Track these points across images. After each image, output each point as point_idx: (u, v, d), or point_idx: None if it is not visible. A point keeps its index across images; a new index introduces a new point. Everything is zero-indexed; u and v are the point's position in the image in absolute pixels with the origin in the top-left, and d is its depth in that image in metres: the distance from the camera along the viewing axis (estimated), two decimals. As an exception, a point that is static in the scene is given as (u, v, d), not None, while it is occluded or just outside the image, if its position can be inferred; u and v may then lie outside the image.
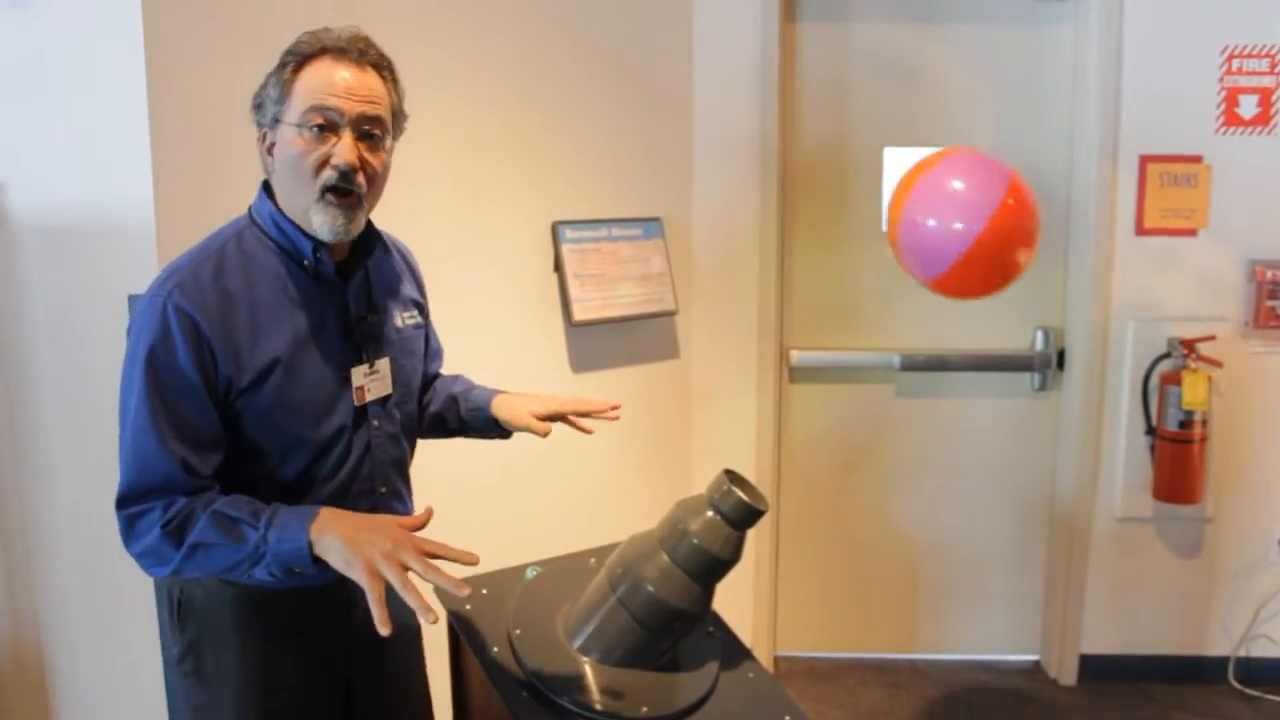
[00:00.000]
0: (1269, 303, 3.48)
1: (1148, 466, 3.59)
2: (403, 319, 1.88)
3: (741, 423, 3.64)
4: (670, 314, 3.40)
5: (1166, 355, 3.52)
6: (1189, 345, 3.46)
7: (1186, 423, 3.44)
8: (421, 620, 1.42)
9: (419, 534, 1.55)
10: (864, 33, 3.61)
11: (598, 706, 1.94)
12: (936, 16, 3.60)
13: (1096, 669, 3.75)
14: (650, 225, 3.35)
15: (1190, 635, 3.75)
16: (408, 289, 1.94)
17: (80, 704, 2.59)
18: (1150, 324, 3.54)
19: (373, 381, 1.76)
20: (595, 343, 3.27)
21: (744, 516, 1.97)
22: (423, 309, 1.99)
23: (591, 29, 3.17)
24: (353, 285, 1.76)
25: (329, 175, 1.59)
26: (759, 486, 2.03)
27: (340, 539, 1.49)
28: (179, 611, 1.72)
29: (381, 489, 1.83)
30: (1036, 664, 3.91)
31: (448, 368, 2.20)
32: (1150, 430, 3.56)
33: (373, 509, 1.78)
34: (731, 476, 1.99)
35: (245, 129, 2.40)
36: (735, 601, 3.51)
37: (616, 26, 3.24)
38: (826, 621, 3.93)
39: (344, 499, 1.73)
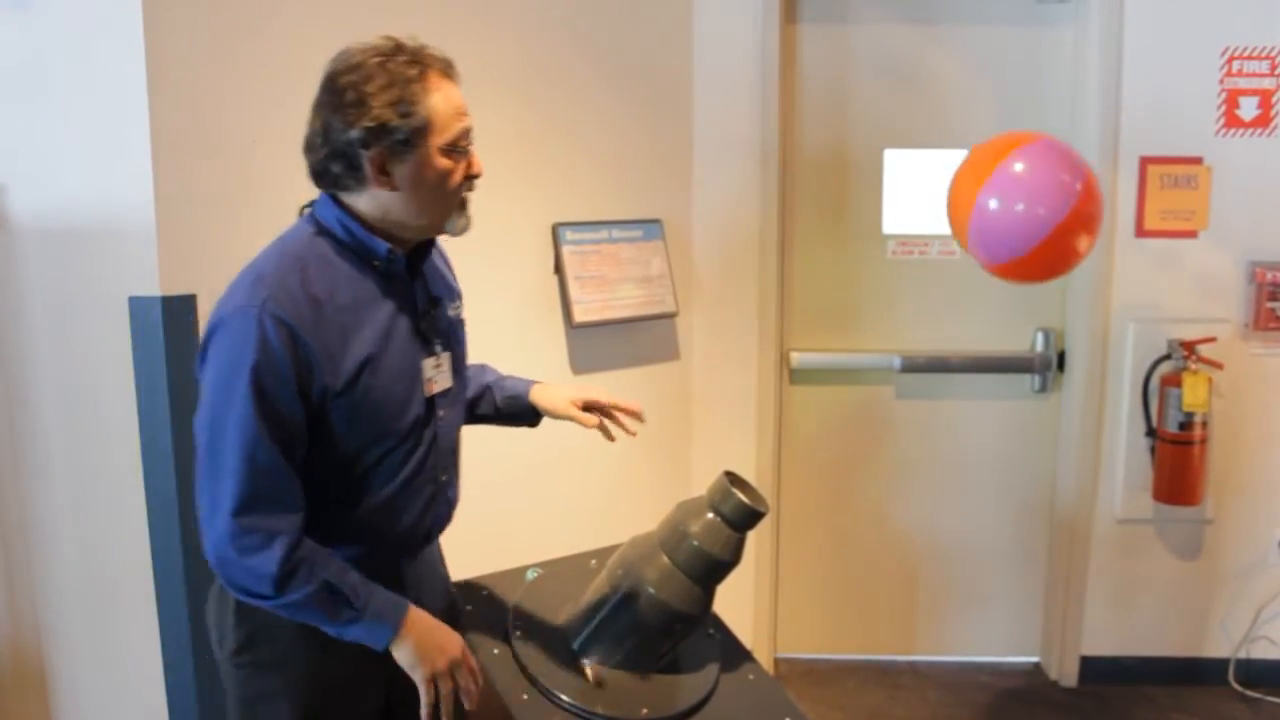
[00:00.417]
0: (1269, 304, 3.48)
1: (1148, 468, 3.58)
2: (453, 309, 1.94)
3: (742, 424, 3.64)
4: (670, 316, 3.40)
5: (1167, 357, 3.52)
6: (1189, 347, 3.46)
7: (1187, 424, 3.44)
8: None
9: None
10: (864, 34, 3.61)
11: (598, 708, 1.94)
12: (936, 18, 3.60)
13: (1097, 670, 3.75)
14: (650, 227, 3.35)
15: (1190, 637, 3.75)
16: (451, 280, 2.00)
17: (79, 705, 2.59)
18: (1150, 325, 3.54)
19: (439, 373, 1.83)
20: (596, 344, 3.27)
21: (744, 518, 1.97)
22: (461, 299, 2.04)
23: (592, 30, 3.17)
24: (419, 281, 1.82)
25: (467, 185, 1.74)
26: (759, 488, 2.03)
27: (414, 649, 1.68)
28: (238, 604, 1.74)
29: (442, 477, 1.89)
30: (1037, 665, 3.91)
31: None
32: (1150, 432, 3.56)
33: (434, 496, 1.86)
34: (732, 478, 1.99)
35: (245, 129, 2.41)
36: (735, 603, 3.50)
37: (617, 28, 3.24)
38: (827, 623, 3.93)
39: (409, 488, 1.80)
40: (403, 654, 1.67)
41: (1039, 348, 3.73)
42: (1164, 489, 3.53)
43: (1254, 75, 3.43)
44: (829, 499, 3.85)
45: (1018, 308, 3.69)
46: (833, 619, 3.93)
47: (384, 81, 1.62)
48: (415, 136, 1.64)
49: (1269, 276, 3.47)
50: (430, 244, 1.86)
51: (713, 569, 1.99)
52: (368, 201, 1.69)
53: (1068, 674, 3.76)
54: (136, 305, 2.30)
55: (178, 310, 2.31)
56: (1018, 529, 3.85)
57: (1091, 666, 3.75)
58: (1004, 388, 3.78)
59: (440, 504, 1.91)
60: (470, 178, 1.74)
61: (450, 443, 1.92)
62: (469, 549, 2.20)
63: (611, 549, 2.17)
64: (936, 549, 3.86)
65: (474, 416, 2.16)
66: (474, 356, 2.14)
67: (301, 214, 1.80)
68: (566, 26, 3.11)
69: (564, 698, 1.94)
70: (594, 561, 2.23)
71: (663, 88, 3.40)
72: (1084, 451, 3.64)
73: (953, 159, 3.58)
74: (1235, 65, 3.42)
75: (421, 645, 1.68)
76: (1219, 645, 3.74)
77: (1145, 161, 3.48)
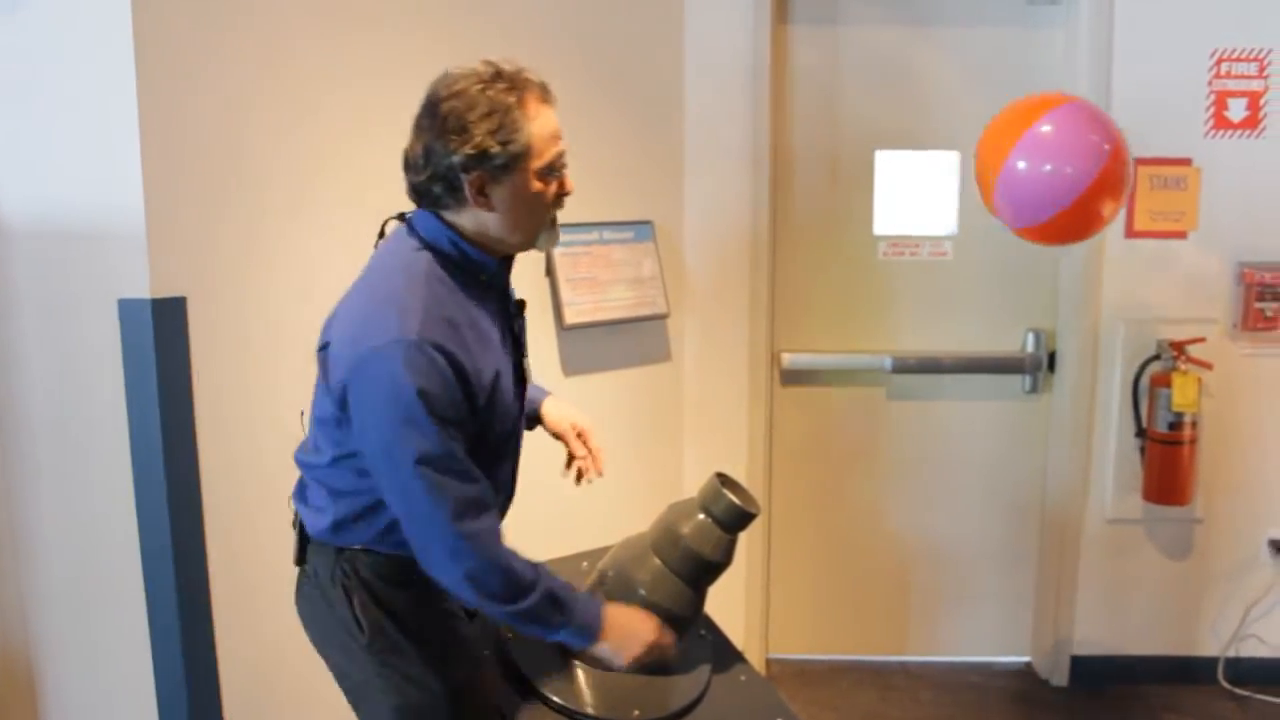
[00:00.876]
0: (1258, 305, 3.49)
1: (1138, 468, 3.59)
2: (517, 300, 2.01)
3: (733, 425, 3.64)
4: (662, 317, 3.40)
5: (1156, 357, 3.53)
6: (1179, 347, 3.47)
7: (1176, 424, 3.45)
8: None
9: None
10: (855, 35, 3.62)
11: (590, 709, 1.95)
12: (927, 19, 3.61)
13: (1088, 670, 3.76)
14: (642, 228, 3.35)
15: (1181, 636, 3.76)
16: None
17: (68, 711, 2.58)
18: (1140, 326, 3.55)
19: (529, 368, 2.02)
20: (587, 346, 3.27)
21: (736, 519, 1.97)
22: None
23: (583, 32, 3.17)
24: (508, 291, 1.93)
25: (557, 203, 1.82)
26: (750, 489, 2.04)
27: (612, 646, 1.86)
28: (352, 600, 1.84)
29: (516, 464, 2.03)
30: (1028, 665, 3.92)
31: None
32: (1140, 432, 3.57)
33: (515, 469, 2.01)
34: (723, 479, 2.00)
35: (234, 132, 2.41)
36: (727, 604, 3.49)
37: (608, 30, 3.24)
38: (818, 624, 3.93)
39: (502, 475, 1.93)
40: (602, 651, 1.85)
41: (1030, 348, 3.73)
42: (1154, 489, 3.54)
43: (1242, 77, 3.44)
44: (820, 500, 3.85)
45: (1008, 308, 3.70)
46: (824, 619, 3.93)
47: (485, 109, 1.68)
48: (513, 161, 1.71)
49: (1257, 277, 3.48)
50: (513, 256, 1.93)
51: (704, 570, 1.99)
52: (468, 219, 1.77)
53: (1059, 674, 3.77)
54: (126, 308, 2.29)
55: (168, 313, 2.31)
56: (1009, 529, 3.86)
57: (1082, 666, 3.76)
58: (995, 388, 3.79)
59: (511, 490, 2.04)
60: (561, 195, 1.81)
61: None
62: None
63: (603, 550, 2.18)
64: (928, 549, 3.87)
65: None
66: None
67: (386, 227, 1.89)
68: (558, 28, 3.11)
69: (556, 699, 1.94)
70: (585, 563, 2.24)
71: (654, 89, 3.40)
72: (1074, 452, 3.65)
73: (944, 160, 3.62)
74: (1224, 67, 3.44)
75: (618, 641, 1.85)
76: (1209, 644, 3.75)
77: (1135, 163, 3.46)
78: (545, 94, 1.76)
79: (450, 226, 1.78)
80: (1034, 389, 3.77)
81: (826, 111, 3.65)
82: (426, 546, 1.72)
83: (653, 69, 3.40)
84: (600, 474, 2.24)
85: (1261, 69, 3.43)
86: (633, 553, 2.03)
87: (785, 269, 3.70)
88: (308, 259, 2.56)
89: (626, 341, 3.38)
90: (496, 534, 1.75)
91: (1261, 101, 3.44)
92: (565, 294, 3.14)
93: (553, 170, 1.77)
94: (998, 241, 3.42)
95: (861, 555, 3.88)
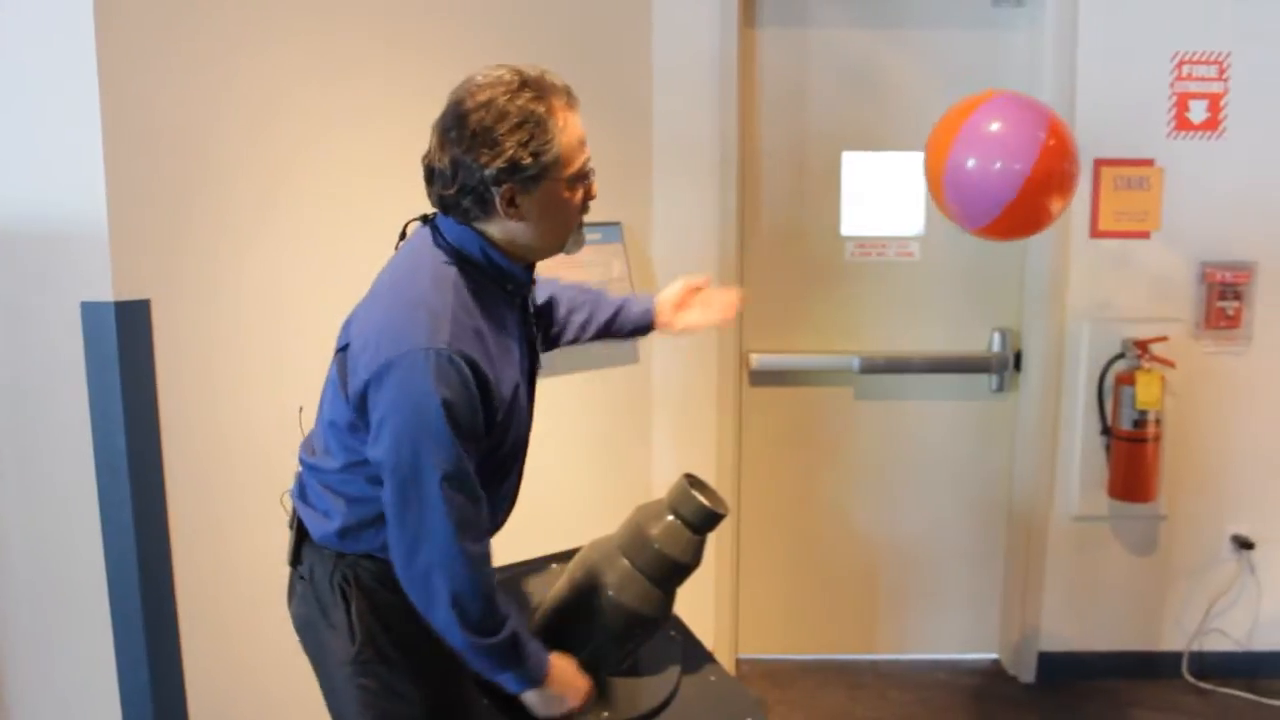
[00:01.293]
0: (1219, 304, 3.54)
1: (1103, 466, 3.63)
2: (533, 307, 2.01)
3: (702, 426, 3.64)
4: (631, 318, 3.40)
5: (1121, 356, 3.56)
6: (1142, 346, 3.51)
7: (1141, 422, 3.49)
8: None
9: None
10: (822, 38, 3.64)
11: (559, 712, 1.94)
12: (894, 22, 3.63)
13: (1055, 666, 3.79)
14: (610, 230, 3.35)
15: (1146, 631, 3.80)
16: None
17: (29, 713, 2.55)
18: (1105, 325, 3.58)
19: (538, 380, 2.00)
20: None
21: (704, 521, 1.97)
22: None
23: (551, 33, 3.16)
24: (530, 298, 1.94)
25: (584, 208, 1.82)
26: (719, 490, 2.04)
27: (543, 700, 1.83)
28: (350, 606, 1.83)
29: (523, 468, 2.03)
30: (996, 662, 3.95)
31: None
32: (1105, 430, 3.61)
33: (519, 481, 2.00)
34: (692, 481, 2.00)
35: (198, 131, 2.39)
36: (697, 605, 3.51)
37: (576, 32, 3.23)
38: (788, 623, 3.95)
39: (511, 482, 1.95)
40: (534, 699, 1.83)
41: (996, 348, 3.76)
42: (1119, 486, 3.57)
43: (1203, 79, 3.48)
44: (789, 500, 3.87)
45: (975, 308, 3.73)
46: (794, 619, 3.95)
47: (516, 121, 1.66)
48: (544, 172, 1.70)
49: (1219, 276, 3.53)
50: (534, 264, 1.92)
51: (673, 571, 1.99)
52: (495, 228, 1.76)
53: (1026, 670, 3.80)
54: (89, 311, 2.27)
55: (131, 316, 2.29)
56: (976, 527, 3.89)
57: (1049, 662, 3.80)
58: (962, 388, 3.82)
59: (513, 501, 2.04)
60: (588, 199, 1.82)
61: None
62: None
63: (572, 552, 2.18)
64: (896, 548, 3.89)
65: (571, 340, 2.30)
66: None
67: (407, 230, 1.89)
68: (525, 30, 3.10)
69: (526, 702, 1.94)
70: (554, 565, 2.24)
71: (622, 91, 3.40)
72: (1041, 450, 3.68)
73: (910, 161, 3.64)
74: (1185, 69, 3.48)
75: (553, 693, 1.83)
76: (1173, 639, 3.79)
77: (1099, 163, 3.52)
78: (571, 99, 1.75)
79: (479, 234, 1.77)
80: (1000, 388, 3.80)
81: (794, 113, 3.67)
82: (416, 560, 1.69)
83: (621, 71, 3.40)
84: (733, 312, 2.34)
85: (1221, 71, 3.48)
86: (602, 554, 2.03)
87: (753, 270, 3.71)
88: (276, 261, 2.55)
89: (595, 344, 3.38)
90: (489, 560, 1.74)
91: (1222, 103, 3.49)
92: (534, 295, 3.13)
93: (582, 177, 1.77)
94: (964, 242, 3.45)
95: (830, 555, 3.90)
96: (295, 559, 1.94)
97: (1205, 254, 3.56)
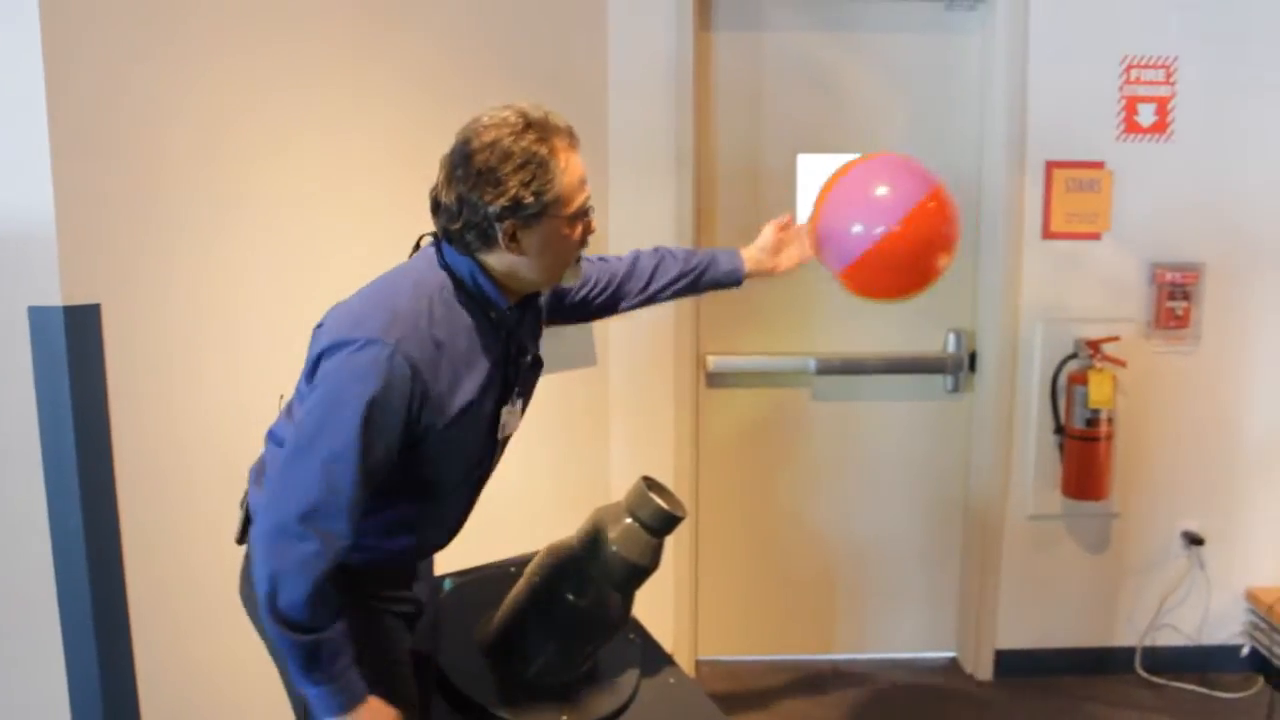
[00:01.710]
0: (1169, 304, 3.59)
1: (1057, 464, 3.68)
2: (534, 352, 2.04)
3: (660, 428, 3.64)
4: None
5: (1073, 356, 3.61)
6: (1094, 346, 3.55)
7: (1093, 421, 3.53)
8: None
9: None
10: (777, 41, 3.65)
11: (517, 716, 1.94)
12: (848, 25, 3.65)
13: (1012, 663, 3.83)
14: (567, 232, 3.34)
15: (1100, 627, 3.85)
16: (542, 320, 2.11)
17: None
18: (1058, 325, 3.63)
19: (511, 418, 1.99)
20: (513, 350, 3.25)
21: (662, 524, 1.98)
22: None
23: (505, 39, 3.15)
24: (519, 330, 1.94)
25: (583, 243, 1.89)
26: (677, 493, 2.05)
27: None
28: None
29: (482, 488, 2.05)
30: (954, 660, 3.98)
31: None
32: (1059, 429, 3.65)
33: (472, 499, 2.03)
34: (649, 483, 2.00)
35: (155, 135, 2.36)
36: (656, 607, 3.51)
37: (530, 37, 3.23)
38: (747, 625, 3.96)
39: (460, 498, 1.99)
40: None
41: (951, 348, 3.80)
42: (1072, 484, 3.62)
43: (1151, 84, 3.53)
44: (747, 501, 3.88)
45: (930, 310, 3.76)
46: (753, 620, 3.96)
47: (519, 161, 1.74)
48: (545, 210, 1.78)
49: (1168, 277, 3.58)
50: (537, 294, 2.00)
51: (632, 574, 1.99)
52: (495, 259, 1.83)
53: (983, 667, 3.84)
54: (37, 316, 2.23)
55: (81, 321, 2.24)
56: (933, 527, 3.92)
57: (1006, 660, 3.83)
58: (918, 388, 3.85)
59: (469, 510, 2.06)
60: (586, 235, 1.89)
61: (495, 464, 2.06)
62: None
63: (530, 556, 2.17)
64: (854, 548, 3.92)
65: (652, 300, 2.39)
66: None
67: (420, 244, 1.94)
68: (480, 36, 3.09)
69: (483, 706, 1.93)
70: (513, 569, 2.23)
71: (577, 96, 3.40)
72: (996, 449, 3.72)
73: (865, 164, 3.67)
74: (1134, 74, 3.53)
75: None
76: (1126, 635, 3.84)
77: (1051, 165, 3.56)
78: (572, 139, 1.82)
79: (477, 263, 1.83)
80: (956, 389, 3.83)
81: (750, 117, 3.68)
82: (264, 518, 1.70)
83: (576, 76, 3.40)
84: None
85: (1169, 76, 3.53)
86: (559, 558, 2.02)
87: (711, 272, 3.72)
88: (235, 266, 2.52)
89: (553, 345, 3.34)
90: (323, 562, 1.68)
91: (1169, 107, 3.54)
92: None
93: (581, 214, 1.85)
94: (919, 244, 3.48)
95: (789, 555, 3.91)
96: (243, 538, 1.96)
97: (1155, 255, 3.61)
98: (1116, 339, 3.56)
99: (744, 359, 3.76)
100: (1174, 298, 3.59)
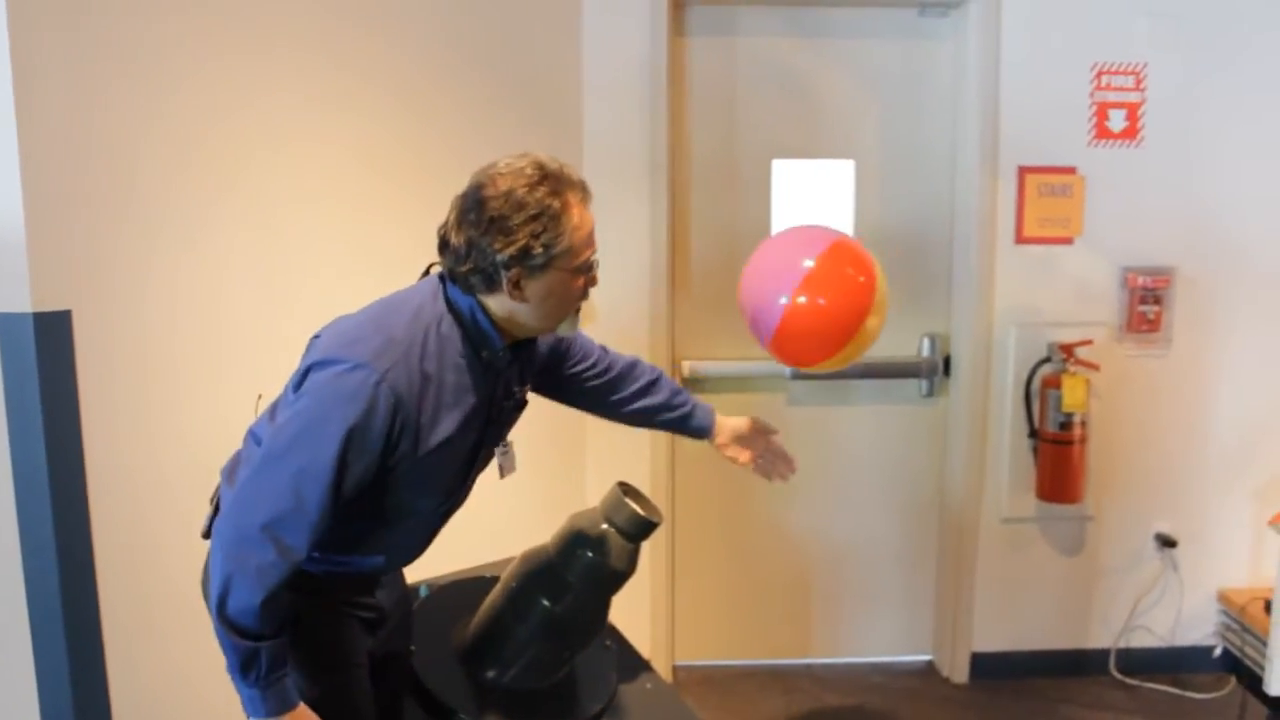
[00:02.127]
0: (1140, 308, 3.62)
1: (1031, 468, 3.70)
2: (520, 394, 2.06)
3: (635, 434, 3.62)
4: (564, 326, 3.39)
5: (1047, 360, 3.63)
6: (1068, 350, 3.58)
7: (1067, 424, 3.56)
8: None
9: None
10: (752, 47, 3.66)
11: (494, 723, 1.93)
12: (822, 32, 3.67)
13: (987, 666, 3.85)
14: (543, 238, 3.33)
15: (1074, 630, 3.87)
16: (535, 362, 2.11)
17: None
18: (1031, 330, 3.65)
19: (505, 459, 2.05)
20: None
21: (638, 529, 1.97)
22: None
23: (480, 45, 3.15)
24: (507, 372, 1.95)
25: (584, 295, 1.91)
26: (653, 498, 2.04)
27: None
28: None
29: (451, 515, 2.05)
30: (930, 664, 3.99)
31: None
32: (1033, 433, 3.67)
33: (436, 529, 2.03)
34: (625, 489, 2.00)
35: (132, 142, 2.34)
36: (632, 613, 3.51)
37: (505, 42, 3.22)
38: (724, 629, 3.96)
39: (430, 522, 1.99)
40: None
41: (925, 353, 3.81)
42: (1046, 488, 3.64)
43: (1121, 90, 3.56)
44: (723, 506, 3.88)
45: (904, 315, 3.76)
46: (730, 625, 3.96)
47: (532, 213, 1.76)
48: (552, 261, 1.79)
49: (1139, 281, 3.61)
50: (533, 340, 2.02)
51: (608, 580, 1.99)
52: (496, 303, 1.84)
53: (959, 670, 3.85)
54: (6, 322, 2.20)
55: (51, 327, 2.22)
56: (908, 530, 3.93)
57: (982, 662, 3.85)
58: (892, 393, 3.86)
59: (431, 538, 2.05)
60: (588, 287, 1.91)
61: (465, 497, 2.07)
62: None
63: (506, 562, 2.16)
64: (830, 552, 3.92)
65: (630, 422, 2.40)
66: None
67: (427, 272, 1.95)
68: (455, 42, 3.08)
69: (460, 713, 1.92)
70: (489, 575, 2.22)
71: (552, 101, 3.40)
72: (970, 453, 3.74)
73: (839, 169, 3.69)
74: (1104, 79, 3.56)
75: None
76: (1100, 636, 3.87)
77: (1023, 171, 3.59)
78: (585, 194, 1.85)
79: (478, 302, 1.85)
80: (930, 393, 3.85)
81: (724, 122, 3.69)
82: (226, 521, 1.72)
83: (550, 82, 3.39)
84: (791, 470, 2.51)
85: (1138, 82, 3.56)
86: (535, 564, 2.02)
87: (685, 277, 3.73)
88: (210, 273, 2.50)
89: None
90: (277, 573, 1.69)
91: (1139, 113, 3.57)
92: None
93: (586, 268, 1.87)
94: (892, 249, 3.51)
95: (765, 560, 3.92)
96: (209, 532, 1.93)
97: (1126, 259, 3.64)
98: (1089, 343, 3.59)
99: (720, 364, 3.77)
100: (1145, 301, 3.62)
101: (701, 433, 2.41)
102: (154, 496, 2.43)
